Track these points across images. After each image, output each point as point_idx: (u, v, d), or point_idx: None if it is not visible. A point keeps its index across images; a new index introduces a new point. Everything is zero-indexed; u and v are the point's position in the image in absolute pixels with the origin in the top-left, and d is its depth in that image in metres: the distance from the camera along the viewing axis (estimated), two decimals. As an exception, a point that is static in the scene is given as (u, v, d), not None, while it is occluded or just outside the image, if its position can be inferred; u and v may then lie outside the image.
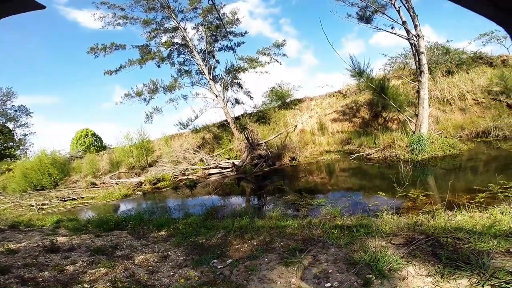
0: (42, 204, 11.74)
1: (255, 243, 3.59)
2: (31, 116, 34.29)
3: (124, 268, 3.14)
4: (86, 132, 33.23)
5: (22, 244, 4.60)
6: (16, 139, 33.43)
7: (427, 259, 2.40)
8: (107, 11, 15.56)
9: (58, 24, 56.95)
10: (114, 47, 16.10)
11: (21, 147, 33.62)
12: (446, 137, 10.00)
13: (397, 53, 17.01)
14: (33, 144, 34.49)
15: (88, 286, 2.74)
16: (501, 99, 11.77)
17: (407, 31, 9.68)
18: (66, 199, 12.53)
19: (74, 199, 12.47)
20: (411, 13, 9.36)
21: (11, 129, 33.08)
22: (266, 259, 3.01)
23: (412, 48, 9.90)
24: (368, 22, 10.64)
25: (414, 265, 2.34)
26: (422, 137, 9.18)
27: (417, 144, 9.09)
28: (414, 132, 9.72)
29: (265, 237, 3.75)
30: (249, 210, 6.03)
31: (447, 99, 12.88)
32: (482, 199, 4.66)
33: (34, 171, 20.09)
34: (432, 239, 2.74)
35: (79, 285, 2.75)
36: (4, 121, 32.60)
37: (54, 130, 56.96)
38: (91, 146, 32.04)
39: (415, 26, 9.40)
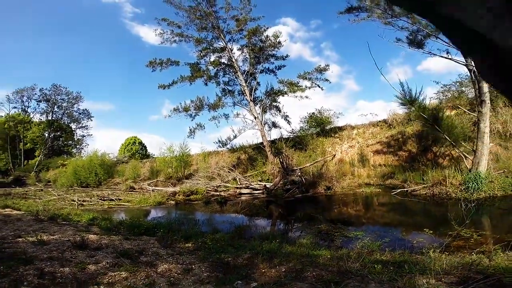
0: (83, 201, 12.63)
1: (283, 269, 3.34)
2: (91, 120, 38.74)
3: (145, 275, 3.07)
4: (134, 140, 36.12)
5: (54, 237, 4.85)
6: (75, 139, 37.61)
7: None
8: (166, 28, 17.32)
9: (124, 37, 65.03)
10: (169, 62, 17.61)
11: (77, 146, 37.69)
12: (508, 177, 8.70)
13: (451, 81, 15.77)
14: (88, 145, 38.66)
15: None
16: None
17: (465, 56, 8.91)
18: (105, 198, 13.35)
19: (112, 199, 13.22)
20: None
21: (73, 129, 37.44)
22: (295, 288, 2.73)
23: (471, 75, 9.03)
24: (420, 47, 10.00)
25: None
26: (480, 175, 8.10)
27: (473, 183, 8.03)
28: (470, 170, 8.63)
29: (295, 264, 3.46)
30: (278, 234, 5.75)
31: (510, 134, 11.35)
32: None
33: (84, 169, 22.13)
34: (493, 278, 2.31)
35: (95, 286, 2.72)
36: (68, 121, 37.15)
37: (107, 134, 63.08)
38: (137, 153, 34.57)
39: None
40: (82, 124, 38.14)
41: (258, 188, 14.17)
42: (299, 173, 13.76)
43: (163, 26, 17.32)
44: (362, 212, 8.60)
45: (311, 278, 3.01)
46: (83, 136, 38.52)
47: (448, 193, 8.58)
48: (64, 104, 36.33)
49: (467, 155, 9.15)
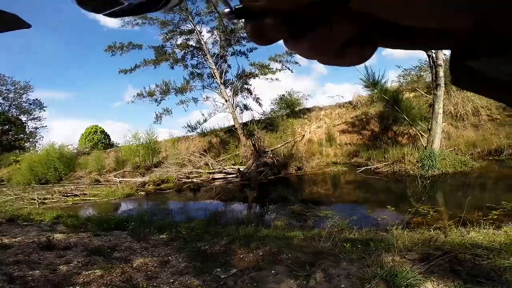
0: (44, 198, 11.66)
1: (261, 253, 3.42)
2: (44, 110, 35.20)
3: (121, 271, 2.98)
4: (96, 129, 33.68)
5: (16, 239, 4.48)
6: (27, 132, 34.10)
7: (445, 275, 2.30)
8: None
9: (78, 21, 58.70)
10: (131, 46, 16.35)
11: (31, 140, 34.28)
12: (458, 154, 9.71)
13: (412, 65, 16.76)
14: (42, 137, 35.19)
15: None
16: None
17: None
18: (68, 194, 12.45)
19: (77, 195, 12.38)
20: None
21: (24, 121, 33.81)
22: (273, 271, 2.84)
23: (429, 60, 9.65)
24: None
25: (433, 281, 2.23)
26: (434, 153, 8.91)
27: (428, 160, 8.82)
28: (425, 148, 9.45)
29: (271, 247, 3.57)
30: (254, 218, 5.89)
31: (460, 115, 12.56)
32: (496, 216, 4.55)
33: (41, 164, 20.27)
34: (450, 255, 2.61)
35: (71, 287, 2.59)
36: (18, 113, 33.43)
37: (65, 125, 58.09)
38: (99, 143, 32.37)
39: None
40: (34, 115, 34.49)
41: (232, 172, 14.21)
42: (271, 155, 14.00)
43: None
44: (331, 191, 9.07)
45: (287, 260, 3.12)
46: (36, 128, 34.94)
47: (406, 170, 9.34)
48: (11, 95, 32.49)
49: (423, 134, 9.97)
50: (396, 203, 6.27)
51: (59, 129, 56.11)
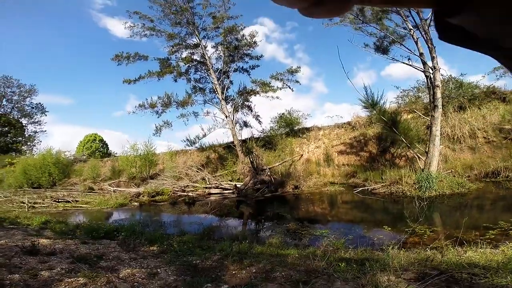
0: (34, 203, 11.47)
1: (254, 270, 3.33)
2: (46, 115, 35.13)
3: (106, 280, 2.86)
4: (95, 137, 33.68)
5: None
6: (26, 135, 33.89)
7: None
8: (137, 21, 16.43)
9: (89, 28, 60.17)
10: (137, 57, 16.72)
11: (28, 143, 33.99)
12: (455, 176, 9.71)
13: (410, 86, 17.06)
14: (41, 141, 34.92)
15: None
16: None
17: (424, 63, 9.64)
18: (60, 200, 12.23)
19: (68, 201, 12.16)
20: (429, 45, 9.34)
21: (24, 124, 33.72)
22: (265, 289, 2.74)
23: (427, 81, 9.81)
24: (385, 53, 10.69)
25: None
26: (431, 175, 8.90)
27: (425, 182, 8.80)
28: (423, 170, 9.45)
29: (265, 265, 3.48)
30: (248, 234, 5.77)
31: (457, 137, 12.65)
32: (493, 236, 4.54)
33: (35, 168, 20.08)
34: (447, 274, 2.56)
35: None
36: (19, 116, 33.38)
37: (64, 131, 57.89)
38: (97, 151, 32.23)
39: (432, 58, 9.35)
40: (35, 119, 34.47)
41: (228, 188, 14.06)
42: (268, 173, 13.93)
43: (134, 19, 16.41)
44: (327, 211, 8.96)
45: (280, 278, 3.04)
46: (35, 132, 34.78)
47: (403, 191, 9.28)
48: (15, 98, 32.72)
49: (420, 156, 10.00)
50: (393, 223, 6.20)
51: (58, 134, 55.83)
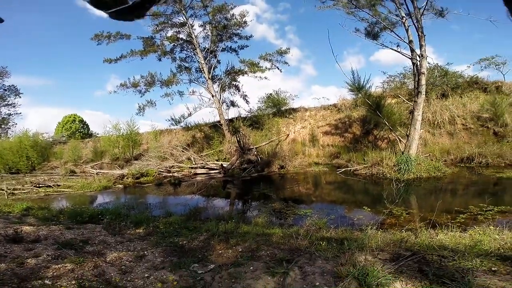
0: (14, 189, 10.99)
1: (240, 250, 3.42)
2: (20, 97, 33.10)
3: (93, 265, 2.87)
4: (74, 117, 32.32)
5: (-21, 232, 4.20)
6: (0, 118, 32.05)
7: (414, 275, 2.38)
8: None
9: (66, 7, 55.60)
10: (118, 36, 15.91)
11: (2, 126, 32.19)
12: (432, 160, 10.18)
13: (396, 72, 17.34)
14: (16, 124, 33.07)
15: (50, 283, 2.46)
16: (489, 126, 12.16)
17: (412, 50, 9.77)
18: (40, 185, 11.78)
19: (50, 186, 11.75)
20: (419, 33, 9.45)
21: None
22: (251, 267, 2.84)
23: (413, 68, 10.01)
24: (375, 39, 10.75)
25: (402, 280, 2.30)
26: (410, 158, 9.29)
27: (404, 164, 9.19)
28: (403, 152, 9.83)
29: (251, 244, 3.58)
30: (234, 214, 5.87)
31: (438, 122, 13.17)
32: (463, 220, 4.83)
33: (12, 152, 19.16)
34: (419, 256, 2.73)
35: (39, 281, 2.47)
36: None
37: (41, 113, 55.02)
38: (77, 132, 31.03)
39: (421, 46, 9.49)
40: (8, 101, 32.43)
41: (215, 167, 14.10)
42: (255, 152, 14.04)
43: None
44: (311, 191, 9.24)
45: (265, 257, 3.14)
46: (10, 115, 32.79)
47: (384, 173, 9.69)
48: None
49: (401, 139, 10.36)
50: (372, 204, 6.51)
51: (35, 117, 52.98)
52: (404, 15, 9.87)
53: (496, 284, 2.11)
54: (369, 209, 6.06)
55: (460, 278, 2.19)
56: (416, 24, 9.50)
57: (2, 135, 29.98)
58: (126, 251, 3.48)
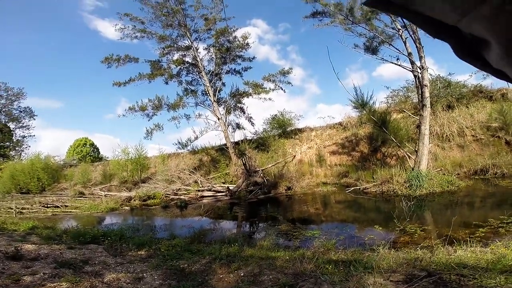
0: (22, 208, 11.19)
1: (242, 274, 3.29)
2: (34, 119, 34.36)
3: (90, 285, 2.80)
4: (85, 141, 33.18)
5: (-17, 248, 4.20)
6: (14, 140, 33.09)
7: None
8: (128, 23, 16.34)
9: (79, 30, 59.23)
10: (127, 59, 16.57)
11: (17, 148, 33.18)
12: (444, 174, 9.83)
13: (400, 86, 17.30)
14: (29, 146, 34.14)
15: None
16: (500, 135, 11.76)
17: (412, 63, 9.76)
18: (49, 205, 11.98)
19: (58, 206, 11.93)
20: (417, 44, 9.48)
21: (12, 129, 32.90)
22: (252, 293, 2.70)
23: (415, 81, 9.95)
24: (374, 53, 10.78)
25: None
26: (421, 173, 9.00)
27: (415, 180, 8.89)
28: (413, 169, 9.55)
29: (253, 268, 3.44)
30: (239, 237, 5.69)
31: (446, 135, 12.85)
32: (483, 234, 4.54)
33: (24, 174, 19.72)
34: (435, 276, 2.53)
35: None
36: (6, 120, 32.55)
37: (53, 135, 56.76)
38: (88, 155, 31.72)
39: (420, 58, 9.49)
40: (23, 123, 33.65)
41: (221, 190, 13.98)
42: (261, 174, 13.91)
43: (125, 21, 16.37)
44: (319, 211, 8.96)
45: (267, 282, 3.01)
46: (24, 137, 33.97)
47: (394, 190, 9.36)
48: (2, 101, 31.87)
49: (410, 155, 10.11)
50: (384, 222, 6.22)
51: (47, 139, 54.57)
52: (400, 27, 9.97)
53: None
54: (381, 228, 5.78)
55: (482, 298, 2.00)
56: (413, 35, 9.55)
57: (16, 157, 30.82)
58: (125, 272, 3.39)
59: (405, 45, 9.93)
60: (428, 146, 9.77)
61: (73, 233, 5.79)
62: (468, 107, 13.34)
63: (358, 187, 10.97)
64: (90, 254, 4.28)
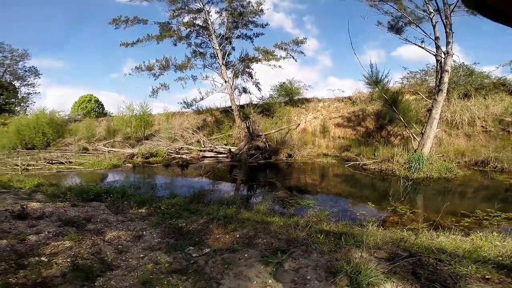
0: (28, 165, 11.34)
1: (237, 235, 3.42)
2: (39, 77, 34.84)
3: (91, 243, 2.95)
4: (90, 97, 33.50)
5: (-11, 207, 4.36)
6: (19, 97, 33.80)
7: (406, 277, 2.33)
8: None
9: None
10: (136, 21, 16.11)
11: (22, 105, 34.09)
12: (445, 161, 9.81)
13: (418, 69, 16.57)
14: (34, 102, 34.96)
15: (46, 260, 2.55)
16: (510, 130, 11.52)
17: (437, 47, 9.31)
18: (53, 161, 12.19)
19: (62, 162, 12.13)
20: (447, 30, 8.98)
21: (17, 87, 33.55)
22: (246, 255, 2.85)
23: (437, 65, 9.57)
24: (398, 33, 10.36)
25: (393, 282, 2.25)
26: (423, 156, 8.98)
27: (415, 162, 8.89)
28: (415, 150, 9.52)
29: (249, 230, 3.58)
30: (237, 200, 5.86)
31: (456, 123, 12.60)
32: (467, 224, 4.69)
33: (29, 128, 20.00)
34: (415, 257, 2.66)
35: (36, 258, 2.56)
36: (11, 79, 33.04)
37: (59, 92, 56.73)
38: (92, 111, 32.04)
39: (447, 43, 9.04)
40: (28, 81, 33.92)
41: (223, 152, 14.20)
42: (264, 139, 14.00)
43: None
44: (317, 182, 9.16)
45: (261, 245, 3.12)
46: (29, 94, 34.40)
47: (393, 170, 9.43)
48: (7, 62, 31.93)
49: (415, 137, 10.00)
50: (378, 200, 6.39)
51: (53, 96, 54.61)
52: (432, 10, 9.40)
53: (486, 293, 2.01)
54: (374, 205, 5.96)
55: (452, 284, 2.13)
56: (444, 20, 9.00)
57: (21, 112, 31.54)
58: (126, 230, 3.56)
59: (433, 29, 9.36)
60: (436, 130, 9.63)
61: (76, 190, 5.87)
62: (485, 98, 12.84)
63: (358, 163, 11.07)
64: (92, 212, 4.41)
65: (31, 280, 2.17)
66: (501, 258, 2.69)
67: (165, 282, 2.27)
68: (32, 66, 34.01)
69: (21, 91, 33.93)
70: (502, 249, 2.92)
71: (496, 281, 2.25)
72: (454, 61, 10.32)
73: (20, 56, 32.59)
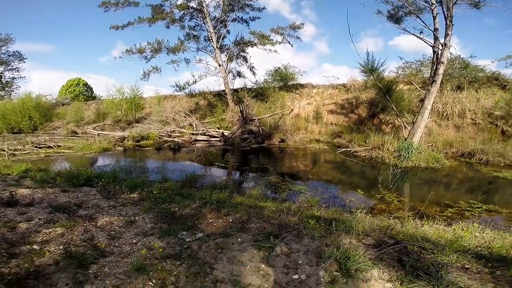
0: (15, 150, 10.95)
1: (230, 220, 3.46)
2: (24, 62, 33.55)
3: (83, 229, 2.92)
4: (78, 81, 32.71)
5: (-24, 194, 4.20)
6: (3, 81, 32.53)
7: (392, 264, 2.41)
8: None
9: None
10: (126, 3, 15.46)
11: (6, 89, 32.93)
12: (433, 151, 10.04)
13: (414, 59, 16.59)
14: (20, 87, 33.84)
15: (38, 248, 2.52)
16: (499, 124, 11.82)
17: (436, 39, 9.27)
18: (41, 146, 11.80)
19: (50, 147, 11.77)
20: (448, 22, 8.94)
21: (1, 72, 32.09)
22: (239, 239, 2.89)
23: (433, 56, 9.59)
24: (397, 23, 10.27)
25: (379, 268, 2.34)
26: (412, 145, 9.16)
27: (405, 151, 9.08)
28: (405, 139, 9.69)
29: (242, 215, 3.62)
30: (230, 184, 5.89)
31: (447, 114, 12.83)
32: (450, 214, 4.87)
33: (15, 113, 19.51)
34: (400, 245, 2.75)
35: (28, 246, 2.53)
36: None
37: (46, 77, 54.43)
38: (81, 95, 31.27)
39: (446, 35, 9.01)
40: (12, 66, 32.45)
41: (216, 135, 14.13)
42: (257, 124, 13.98)
43: None
44: (308, 168, 9.26)
45: (254, 229, 3.17)
46: (14, 78, 33.09)
47: (383, 157, 9.62)
48: None
49: (406, 125, 10.14)
50: (367, 188, 6.54)
51: (39, 81, 52.45)
52: (434, 2, 9.28)
53: (465, 282, 2.13)
54: (363, 193, 6.11)
55: (434, 272, 2.21)
56: (446, 12, 8.95)
57: (6, 97, 30.56)
58: (118, 216, 3.54)
59: (433, 20, 9.27)
60: (427, 120, 9.78)
61: (66, 175, 5.71)
62: (477, 91, 13.04)
63: (349, 149, 11.23)
64: (83, 197, 4.34)
65: (24, 269, 2.15)
66: (480, 249, 2.81)
67: (159, 268, 2.29)
68: (16, 51, 32.86)
69: (5, 75, 32.88)
70: (481, 240, 3.05)
71: (475, 271, 2.35)
72: (450, 53, 10.34)
73: (3, 41, 31.33)
